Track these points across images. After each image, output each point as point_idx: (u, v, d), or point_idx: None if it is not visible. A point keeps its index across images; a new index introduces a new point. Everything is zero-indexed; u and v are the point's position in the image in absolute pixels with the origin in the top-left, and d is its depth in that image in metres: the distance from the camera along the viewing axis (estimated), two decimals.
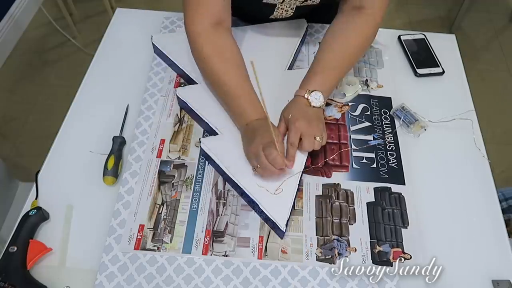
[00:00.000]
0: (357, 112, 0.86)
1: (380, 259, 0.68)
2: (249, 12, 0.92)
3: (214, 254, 0.68)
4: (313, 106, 0.74)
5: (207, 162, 0.78)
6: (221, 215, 0.72)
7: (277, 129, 0.73)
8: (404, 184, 0.77)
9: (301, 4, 0.84)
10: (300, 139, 0.72)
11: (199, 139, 0.80)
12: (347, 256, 0.68)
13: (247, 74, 0.77)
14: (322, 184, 0.76)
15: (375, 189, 0.76)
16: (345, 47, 0.79)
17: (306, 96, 0.74)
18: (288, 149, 0.72)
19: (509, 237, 0.73)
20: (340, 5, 0.82)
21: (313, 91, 0.74)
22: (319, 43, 0.96)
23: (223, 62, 0.75)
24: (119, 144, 0.78)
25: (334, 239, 0.70)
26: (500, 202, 0.80)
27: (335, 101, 0.87)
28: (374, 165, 0.79)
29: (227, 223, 0.71)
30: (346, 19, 0.80)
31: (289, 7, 0.86)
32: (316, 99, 0.74)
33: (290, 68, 0.89)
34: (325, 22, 0.98)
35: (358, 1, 0.78)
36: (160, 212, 0.72)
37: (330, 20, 0.83)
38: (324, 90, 0.75)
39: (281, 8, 0.86)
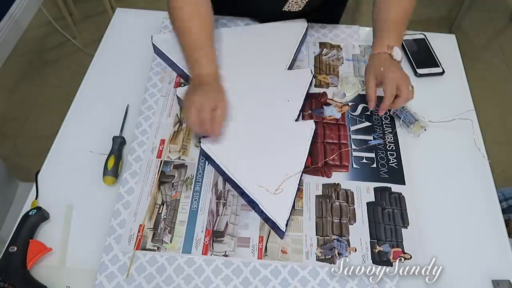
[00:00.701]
0: (357, 112, 0.86)
1: (380, 259, 0.68)
2: (262, 4, 0.92)
3: (214, 254, 0.68)
4: (396, 60, 0.79)
5: (207, 162, 0.78)
6: (221, 215, 0.72)
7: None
8: (404, 184, 0.77)
9: None
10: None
11: (199, 139, 0.80)
12: (347, 256, 0.68)
13: (212, 32, 0.81)
14: (322, 184, 0.76)
15: (375, 189, 0.76)
16: (401, 1, 0.82)
17: (389, 52, 0.78)
18: (385, 100, 0.76)
19: (509, 237, 0.73)
20: None
21: (393, 46, 0.79)
22: (320, 43, 0.97)
23: (195, 15, 0.78)
24: (119, 144, 0.78)
25: (334, 239, 0.70)
26: (500, 202, 0.80)
27: (335, 101, 0.87)
28: (374, 165, 0.79)
29: (227, 223, 0.71)
30: None
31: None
32: (397, 53, 0.79)
33: (290, 68, 0.89)
34: (329, 19, 0.98)
35: None
36: (160, 212, 0.72)
37: (335, 18, 0.83)
38: (399, 45, 0.80)
39: (294, 2, 0.87)
